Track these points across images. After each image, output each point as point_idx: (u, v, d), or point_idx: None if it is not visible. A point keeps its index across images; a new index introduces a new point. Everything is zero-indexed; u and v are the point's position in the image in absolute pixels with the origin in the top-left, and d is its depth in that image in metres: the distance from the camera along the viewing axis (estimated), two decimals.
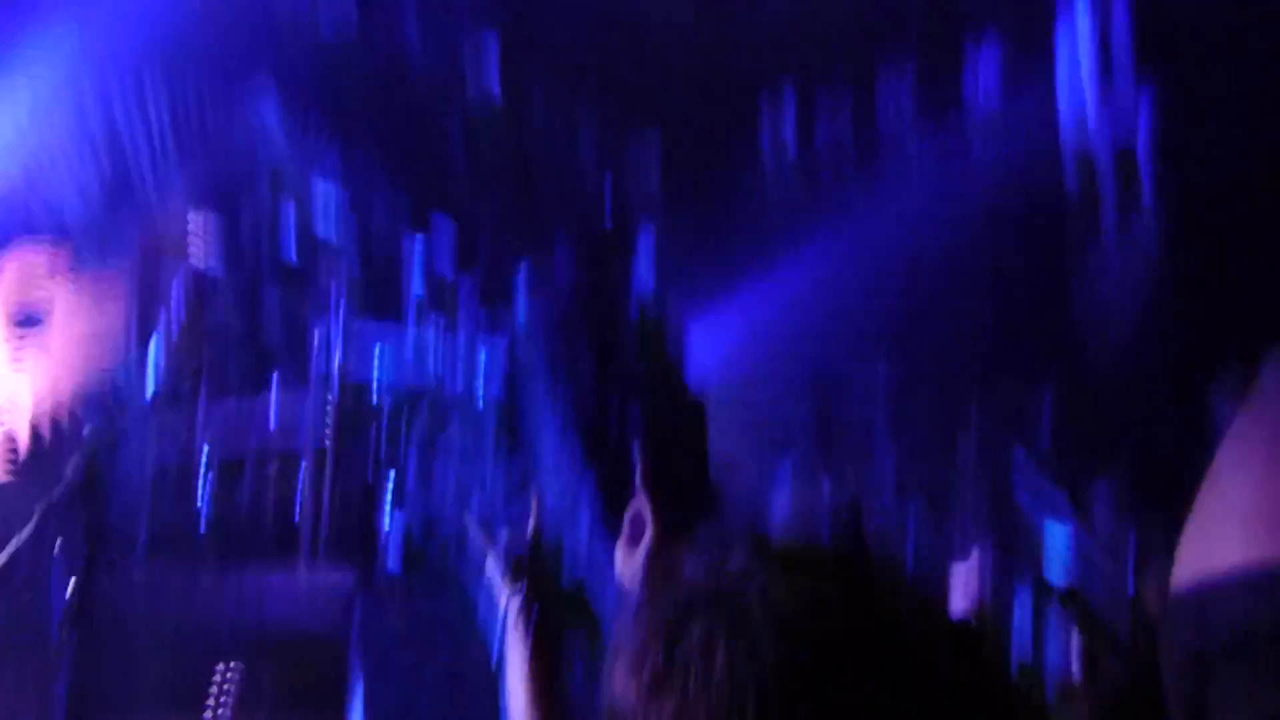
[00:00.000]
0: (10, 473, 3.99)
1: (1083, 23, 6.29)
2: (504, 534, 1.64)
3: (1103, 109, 6.18)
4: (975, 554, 2.33)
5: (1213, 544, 0.50)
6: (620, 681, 0.70)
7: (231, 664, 3.67)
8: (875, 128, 7.31)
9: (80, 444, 1.49)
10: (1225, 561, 0.48)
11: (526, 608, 1.48)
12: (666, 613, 0.69)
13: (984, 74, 6.94)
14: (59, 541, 1.49)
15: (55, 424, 4.09)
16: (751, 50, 7.54)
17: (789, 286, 7.19)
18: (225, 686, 3.68)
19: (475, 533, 1.68)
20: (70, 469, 1.49)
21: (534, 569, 1.56)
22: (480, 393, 4.43)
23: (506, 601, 1.53)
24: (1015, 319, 6.65)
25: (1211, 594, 0.48)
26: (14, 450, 4.00)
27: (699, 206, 8.12)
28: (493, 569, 1.58)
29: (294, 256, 4.93)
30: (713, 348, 4.93)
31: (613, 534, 2.65)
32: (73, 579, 1.44)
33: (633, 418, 2.88)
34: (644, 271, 3.04)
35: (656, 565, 1.61)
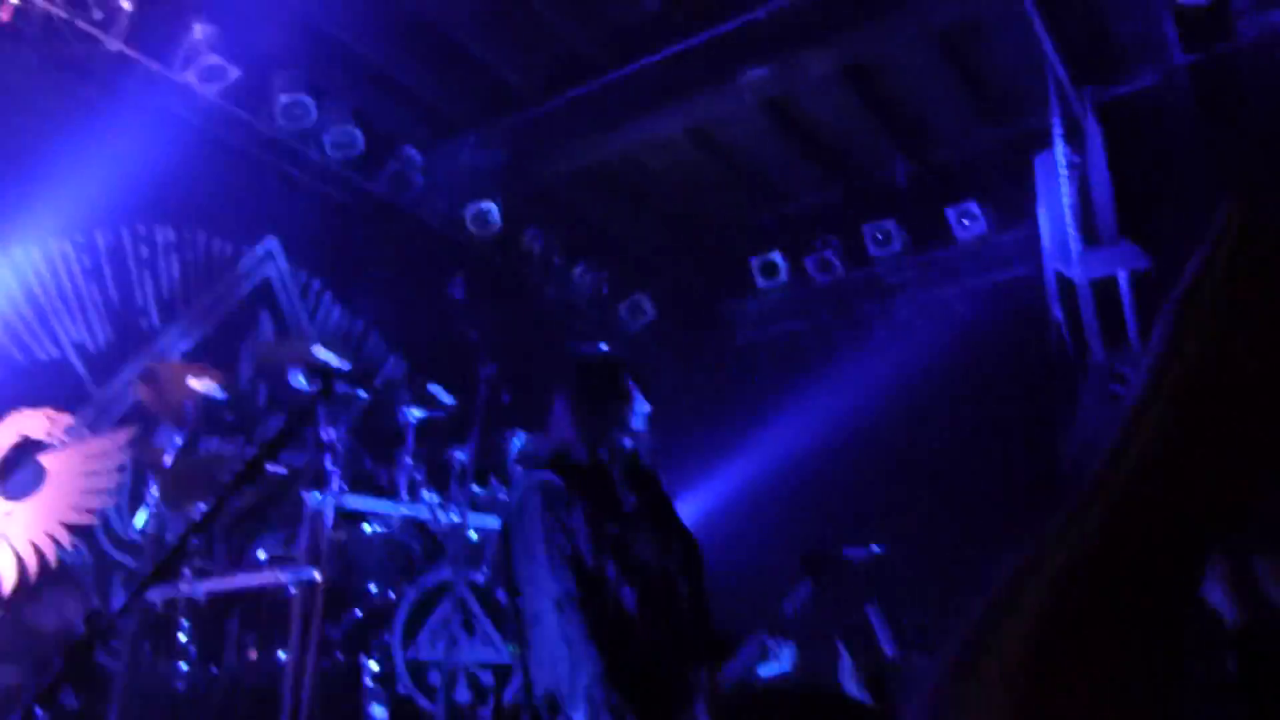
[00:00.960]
0: None
1: (1064, 190, 6.51)
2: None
3: (1085, 254, 6.30)
4: None
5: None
6: None
7: None
8: (867, 270, 7.51)
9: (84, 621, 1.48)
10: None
11: None
12: None
13: (970, 226, 7.17)
14: None
15: (43, 565, 4.06)
16: (742, 218, 7.81)
17: (777, 454, 7.22)
18: None
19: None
20: (62, 657, 1.48)
21: None
22: (473, 564, 4.41)
23: None
24: (1011, 480, 6.64)
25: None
26: None
27: (688, 370, 8.24)
28: None
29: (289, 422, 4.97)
30: (699, 519, 4.91)
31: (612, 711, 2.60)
32: None
33: (628, 580, 2.83)
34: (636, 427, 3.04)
35: None
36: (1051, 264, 6.70)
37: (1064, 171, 6.42)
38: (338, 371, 2.24)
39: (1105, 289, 6.65)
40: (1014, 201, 7.13)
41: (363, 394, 2.30)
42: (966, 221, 7.21)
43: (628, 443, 3.06)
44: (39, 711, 1.46)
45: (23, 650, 4.23)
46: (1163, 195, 6.48)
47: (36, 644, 4.30)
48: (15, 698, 1.39)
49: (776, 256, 7.72)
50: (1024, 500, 6.48)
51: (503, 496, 4.77)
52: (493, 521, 4.49)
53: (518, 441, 4.91)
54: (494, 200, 6.86)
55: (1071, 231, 6.52)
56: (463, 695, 4.21)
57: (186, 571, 4.49)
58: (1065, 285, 6.76)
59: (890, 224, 7.32)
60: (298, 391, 4.23)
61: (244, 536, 4.90)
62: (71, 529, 4.34)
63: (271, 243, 6.47)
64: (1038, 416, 6.79)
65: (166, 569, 1.86)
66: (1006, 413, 6.94)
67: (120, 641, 4.59)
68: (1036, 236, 7.03)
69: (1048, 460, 6.57)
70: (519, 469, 4.68)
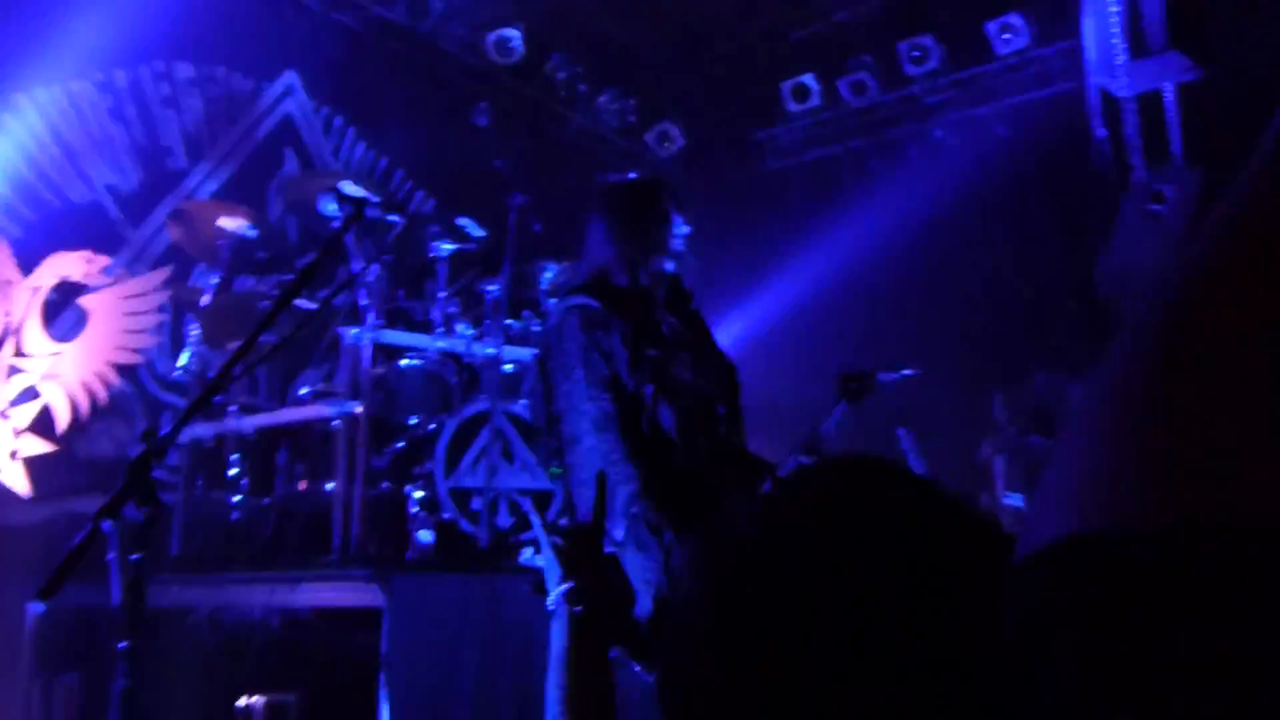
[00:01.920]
0: (50, 440, 4.10)
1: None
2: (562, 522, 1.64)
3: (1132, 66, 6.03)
4: None
5: (1037, 515, 0.47)
6: (684, 657, 0.70)
7: (253, 699, 3.75)
8: (902, 90, 7.26)
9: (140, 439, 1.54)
10: (1040, 534, 0.45)
11: (578, 597, 1.48)
12: (718, 576, 0.70)
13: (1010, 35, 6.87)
14: (113, 545, 1.53)
15: (93, 401, 4.19)
16: (772, 39, 7.51)
17: (810, 280, 7.18)
18: (249, 717, 3.76)
19: (534, 519, 1.67)
20: (125, 471, 1.54)
21: (590, 559, 1.56)
22: (509, 395, 4.48)
23: (559, 589, 1.53)
24: (1048, 301, 6.59)
25: (1022, 570, 0.46)
26: (52, 422, 4.11)
27: (719, 199, 8.11)
28: (548, 555, 1.58)
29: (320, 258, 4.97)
30: (735, 346, 4.92)
31: (651, 528, 2.68)
32: (124, 586, 1.48)
33: (664, 400, 2.86)
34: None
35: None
36: (1096, 78, 6.45)
37: None
38: (366, 199, 2.22)
39: (1150, 105, 6.41)
40: (1058, 12, 6.80)
41: (394, 218, 2.27)
42: (1007, 36, 6.91)
43: (669, 266, 3.03)
44: (106, 524, 1.52)
45: (83, 479, 4.42)
46: (1217, 1, 6.16)
47: (94, 472, 4.51)
48: (79, 522, 1.47)
49: (809, 79, 7.47)
50: (1061, 321, 6.45)
51: (536, 328, 4.79)
52: (527, 353, 4.54)
53: (549, 273, 4.90)
54: (516, 26, 6.63)
55: (1118, 41, 6.23)
56: (504, 520, 4.36)
57: (233, 408, 4.62)
58: (1109, 101, 6.52)
59: (928, 40, 7.03)
60: (328, 226, 4.22)
61: (286, 373, 5.01)
62: (118, 368, 4.43)
63: (290, 76, 6.34)
64: (1078, 236, 6.67)
65: (209, 398, 1.90)
66: (1045, 234, 6.83)
67: (175, 475, 4.77)
68: (1080, 50, 6.74)
69: (1086, 281, 6.50)
70: (553, 299, 4.69)
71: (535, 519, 1.68)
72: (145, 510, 1.57)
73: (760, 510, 0.72)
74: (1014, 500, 3.09)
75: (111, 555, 1.57)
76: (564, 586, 1.49)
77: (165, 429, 4.92)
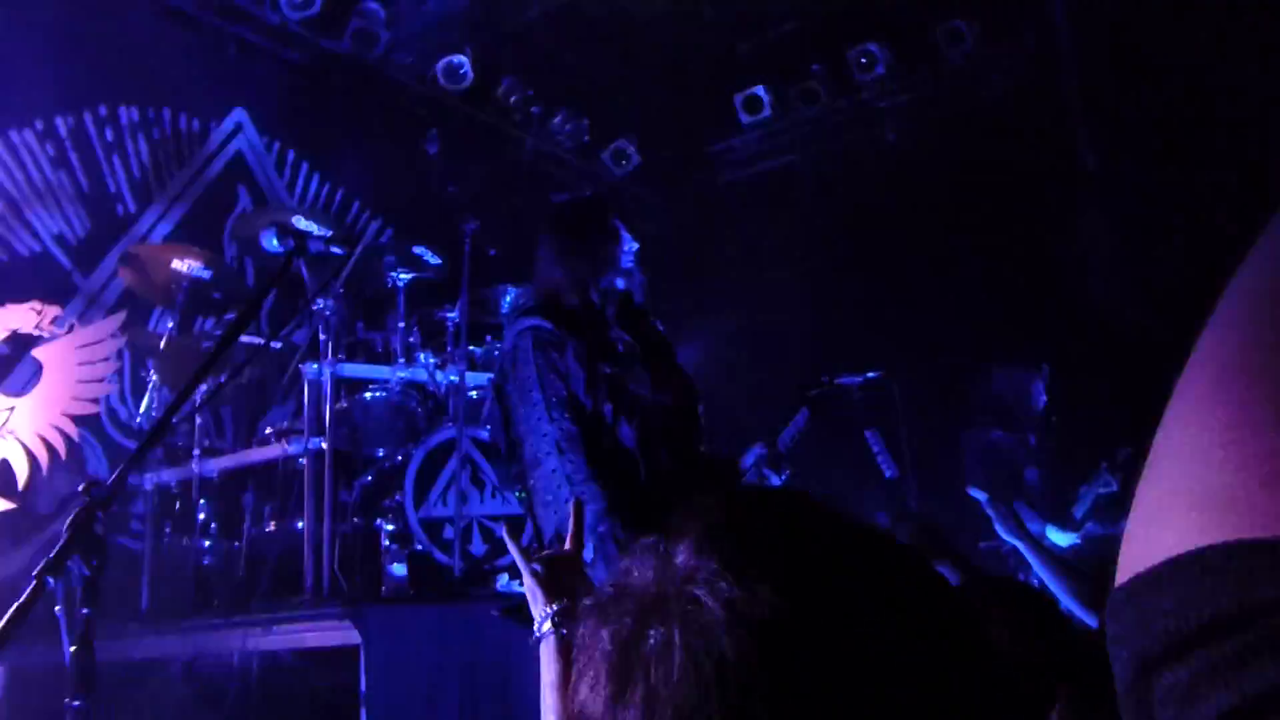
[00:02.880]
0: (9, 498, 4.02)
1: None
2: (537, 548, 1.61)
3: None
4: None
5: (1150, 533, 0.45)
6: (584, 698, 0.69)
7: None
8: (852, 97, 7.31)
9: (73, 495, 1.50)
10: (1161, 552, 0.43)
11: (563, 621, 1.45)
12: (620, 622, 0.68)
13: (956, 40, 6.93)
14: (60, 597, 1.49)
15: (52, 454, 4.12)
16: (721, 52, 7.55)
17: (771, 289, 7.20)
18: None
19: (511, 546, 1.64)
20: (66, 525, 1.50)
21: (572, 582, 1.53)
22: (475, 421, 4.44)
23: (546, 614, 1.50)
24: (1009, 298, 6.64)
25: (1147, 589, 0.44)
26: (11, 478, 4.03)
27: (678, 214, 8.13)
28: (529, 582, 1.55)
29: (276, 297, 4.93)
30: (696, 359, 4.92)
31: (618, 547, 2.65)
32: (73, 640, 1.44)
33: (625, 419, 2.84)
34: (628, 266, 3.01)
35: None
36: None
37: None
38: (309, 232, 2.19)
39: (1099, 96, 6.50)
40: (1002, 13, 6.88)
41: (337, 250, 2.25)
42: (954, 39, 6.98)
43: (620, 282, 3.03)
44: (50, 581, 1.49)
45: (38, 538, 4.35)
46: None
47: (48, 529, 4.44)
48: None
49: (759, 90, 7.51)
50: (1022, 317, 6.49)
51: (499, 353, 4.77)
52: (489, 379, 4.52)
53: (508, 297, 4.89)
54: (465, 52, 6.62)
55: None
56: (478, 547, 4.32)
57: (197, 452, 4.56)
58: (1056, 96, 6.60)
59: (873, 46, 7.09)
60: (281, 261, 4.18)
61: (252, 414, 4.95)
62: (76, 420, 4.36)
63: (239, 114, 6.30)
64: (1035, 234, 6.73)
65: (151, 445, 1.87)
66: (1004, 232, 6.89)
67: (142, 524, 4.70)
68: (1025, 50, 6.82)
69: (1047, 277, 6.56)
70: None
71: (512, 546, 1.65)
72: (92, 563, 1.53)
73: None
74: (976, 493, 3.09)
75: (59, 611, 1.53)
76: (551, 609, 1.47)
77: (131, 480, 4.85)
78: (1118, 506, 4.55)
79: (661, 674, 0.63)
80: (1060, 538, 4.52)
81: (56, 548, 1.53)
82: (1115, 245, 6.46)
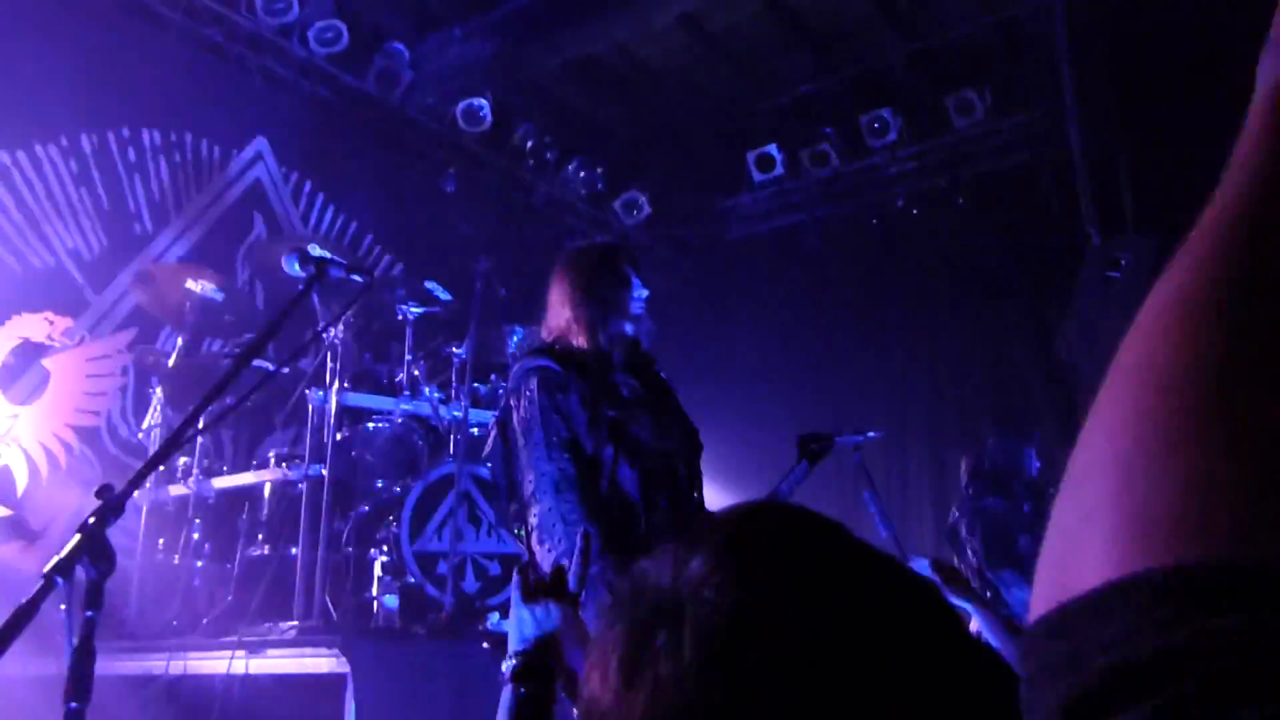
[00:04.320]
0: (6, 505, 4.03)
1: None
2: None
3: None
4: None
5: (1075, 556, 0.39)
6: (594, 687, 0.71)
7: None
8: (864, 161, 7.41)
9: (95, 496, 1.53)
10: (1091, 576, 0.38)
11: (523, 680, 1.42)
12: (634, 617, 0.71)
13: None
14: (65, 601, 1.51)
15: (52, 463, 4.13)
16: (737, 110, 7.68)
17: (775, 345, 7.25)
18: None
19: (516, 582, 1.59)
20: (77, 529, 1.52)
21: (561, 630, 1.46)
22: (475, 458, 4.46)
23: (510, 662, 1.47)
24: (1008, 366, 6.69)
25: (1079, 619, 0.38)
26: (11, 485, 4.05)
27: (685, 266, 8.21)
28: (514, 618, 1.52)
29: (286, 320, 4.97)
30: (699, 410, 4.95)
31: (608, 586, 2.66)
32: (72, 644, 1.46)
33: (627, 460, 2.87)
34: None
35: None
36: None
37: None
38: (331, 259, 2.25)
39: (1105, 172, 6.60)
40: (1012, 88, 7.02)
41: (358, 279, 2.29)
42: (965, 110, 7.11)
43: (629, 329, 3.07)
44: (59, 581, 1.51)
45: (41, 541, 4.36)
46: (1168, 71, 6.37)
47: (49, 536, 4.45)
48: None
49: (772, 149, 7.63)
50: (1021, 386, 6.54)
51: (502, 392, 4.81)
52: (492, 417, 4.55)
53: (517, 336, 4.93)
54: (484, 96, 6.75)
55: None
56: (470, 584, 4.32)
57: (196, 471, 4.57)
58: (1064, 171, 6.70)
59: (886, 113, 7.23)
60: (294, 288, 4.22)
61: (254, 437, 4.97)
62: (77, 430, 4.38)
63: (260, 143, 6.40)
64: (1036, 304, 6.80)
65: (165, 458, 1.89)
66: (1005, 300, 6.96)
67: (135, 541, 4.69)
68: (1036, 123, 6.94)
69: (1045, 347, 6.61)
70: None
71: (517, 583, 1.60)
72: (99, 568, 1.55)
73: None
74: (918, 561, 3.10)
75: (63, 613, 1.55)
76: (513, 661, 1.44)
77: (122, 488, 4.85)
78: None
79: (669, 669, 0.65)
80: None
81: (66, 548, 1.55)
82: (1114, 319, 6.52)
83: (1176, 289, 0.43)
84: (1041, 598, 0.40)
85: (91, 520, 1.56)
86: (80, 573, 1.56)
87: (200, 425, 3.20)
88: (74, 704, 1.56)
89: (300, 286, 2.50)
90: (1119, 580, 0.37)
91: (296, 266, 2.69)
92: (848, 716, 0.62)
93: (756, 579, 0.67)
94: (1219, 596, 0.35)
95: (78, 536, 1.55)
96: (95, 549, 1.57)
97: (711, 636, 0.65)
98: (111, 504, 1.57)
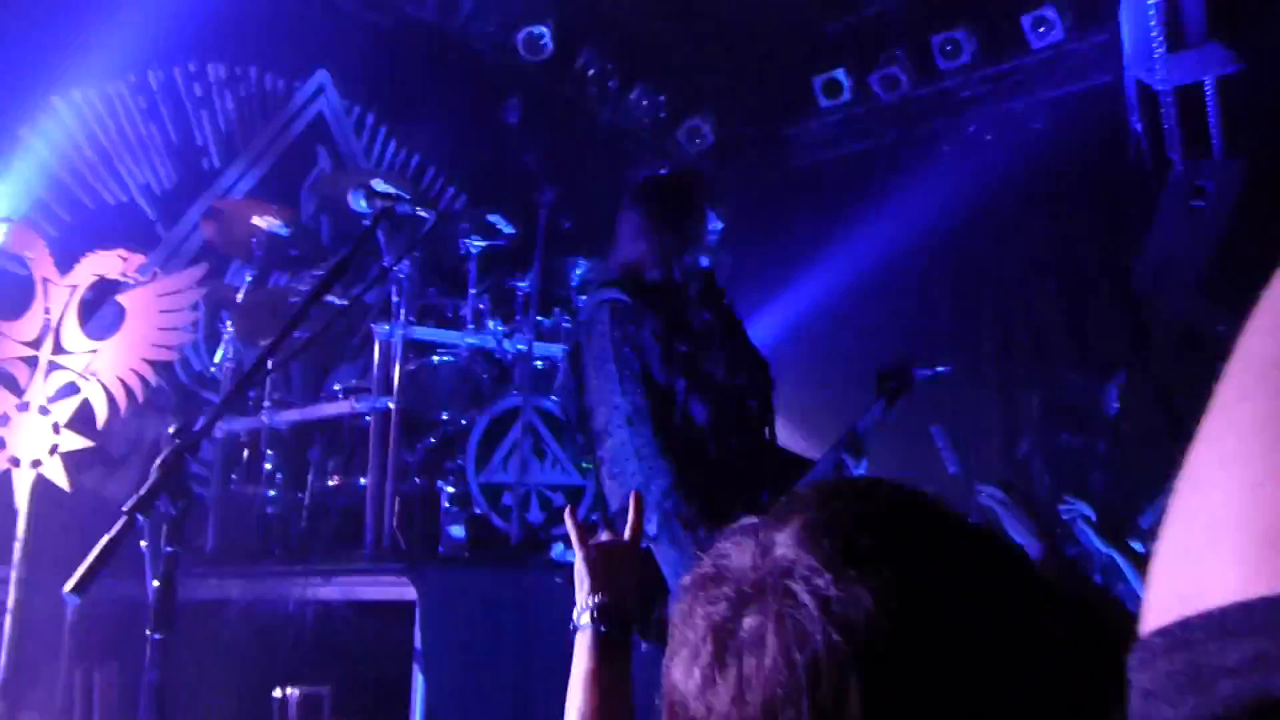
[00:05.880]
0: (91, 437, 4.17)
1: None
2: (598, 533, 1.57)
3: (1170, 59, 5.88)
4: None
5: (1196, 570, 0.37)
6: (676, 677, 0.69)
7: (289, 690, 3.79)
8: (935, 85, 7.17)
9: (161, 437, 1.55)
10: (1215, 593, 0.35)
11: (605, 616, 1.41)
12: (715, 605, 0.68)
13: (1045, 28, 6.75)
14: (146, 537, 1.54)
15: (130, 397, 4.24)
16: (803, 32, 7.46)
17: (842, 276, 7.12)
18: (284, 708, 3.80)
19: (569, 521, 1.59)
20: (155, 467, 1.54)
21: (621, 577, 1.46)
22: (540, 391, 4.48)
23: (583, 606, 1.46)
24: (1084, 298, 6.50)
25: (1203, 638, 0.35)
26: (91, 417, 4.17)
27: (751, 195, 8.07)
28: (580, 566, 1.51)
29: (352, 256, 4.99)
30: (768, 343, 4.90)
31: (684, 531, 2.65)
32: (157, 578, 1.49)
33: (698, 397, 2.84)
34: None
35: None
36: (1133, 71, 6.34)
37: None
38: (398, 195, 2.22)
39: (1189, 97, 6.30)
40: (1093, 4, 6.71)
41: (425, 214, 2.27)
42: (1042, 29, 6.82)
43: (704, 261, 3.02)
44: (139, 518, 1.53)
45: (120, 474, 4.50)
46: None
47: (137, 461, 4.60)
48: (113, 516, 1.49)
49: (840, 74, 7.42)
50: (1097, 319, 6.36)
51: (567, 324, 4.80)
52: (558, 349, 4.54)
53: (580, 269, 4.91)
54: (546, 22, 6.63)
55: (1156, 34, 6.13)
56: (535, 515, 4.36)
57: (267, 404, 4.66)
58: (1146, 94, 6.41)
59: (960, 33, 6.96)
60: (359, 223, 4.23)
61: (321, 370, 5.04)
62: (154, 364, 4.48)
63: (322, 76, 6.38)
64: (1114, 233, 6.58)
65: (242, 392, 1.90)
66: (1081, 229, 6.74)
67: (210, 471, 4.82)
68: (1117, 42, 6.64)
69: (1123, 277, 6.41)
70: (583, 295, 4.69)
71: (570, 522, 1.60)
72: (178, 504, 1.58)
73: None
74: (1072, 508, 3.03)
75: (145, 548, 1.58)
76: (592, 602, 1.43)
77: (199, 424, 4.98)
78: None
79: (754, 664, 0.63)
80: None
81: (146, 486, 1.58)
82: (1198, 250, 6.28)
83: None
84: (1158, 605, 0.38)
85: (169, 458, 1.58)
86: (161, 509, 1.58)
87: (277, 360, 3.23)
88: (158, 635, 1.60)
89: (366, 222, 2.49)
90: (1248, 603, 0.35)
91: (363, 203, 2.68)
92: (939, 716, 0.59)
93: (842, 569, 0.63)
94: None
95: (156, 474, 1.57)
96: (174, 486, 1.59)
97: (796, 630, 0.62)
98: (189, 442, 1.59)
